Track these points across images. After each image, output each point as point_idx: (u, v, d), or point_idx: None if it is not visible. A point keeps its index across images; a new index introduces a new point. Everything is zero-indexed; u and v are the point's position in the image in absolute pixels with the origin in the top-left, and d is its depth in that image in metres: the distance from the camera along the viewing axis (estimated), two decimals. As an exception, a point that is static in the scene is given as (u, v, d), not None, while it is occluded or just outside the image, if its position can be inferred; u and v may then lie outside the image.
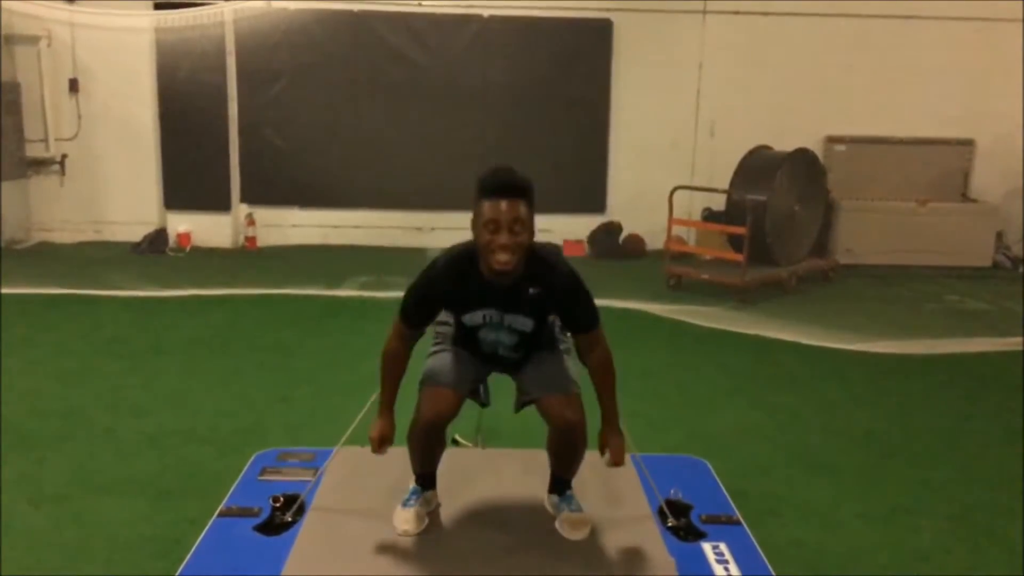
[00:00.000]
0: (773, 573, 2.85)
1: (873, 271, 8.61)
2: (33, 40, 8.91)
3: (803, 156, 8.06)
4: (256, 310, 6.80)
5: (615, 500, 3.03)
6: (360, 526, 3.00)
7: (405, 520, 2.95)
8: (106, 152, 9.17)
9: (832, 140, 9.33)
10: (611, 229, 9.23)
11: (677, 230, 8.19)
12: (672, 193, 7.80)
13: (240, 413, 4.59)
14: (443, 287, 2.80)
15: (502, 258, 2.63)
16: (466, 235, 2.77)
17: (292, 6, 8.95)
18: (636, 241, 9.26)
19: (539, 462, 3.08)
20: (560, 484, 3.05)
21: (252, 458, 3.62)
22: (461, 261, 2.76)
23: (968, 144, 9.45)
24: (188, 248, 9.03)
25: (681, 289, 7.73)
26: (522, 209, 2.64)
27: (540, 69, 9.19)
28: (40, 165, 9.15)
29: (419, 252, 8.91)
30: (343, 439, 3.21)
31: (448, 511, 3.09)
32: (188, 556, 2.87)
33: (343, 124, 9.16)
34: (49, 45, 8.96)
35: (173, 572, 2.80)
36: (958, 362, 5.87)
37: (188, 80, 8.91)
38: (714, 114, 9.30)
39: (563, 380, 2.90)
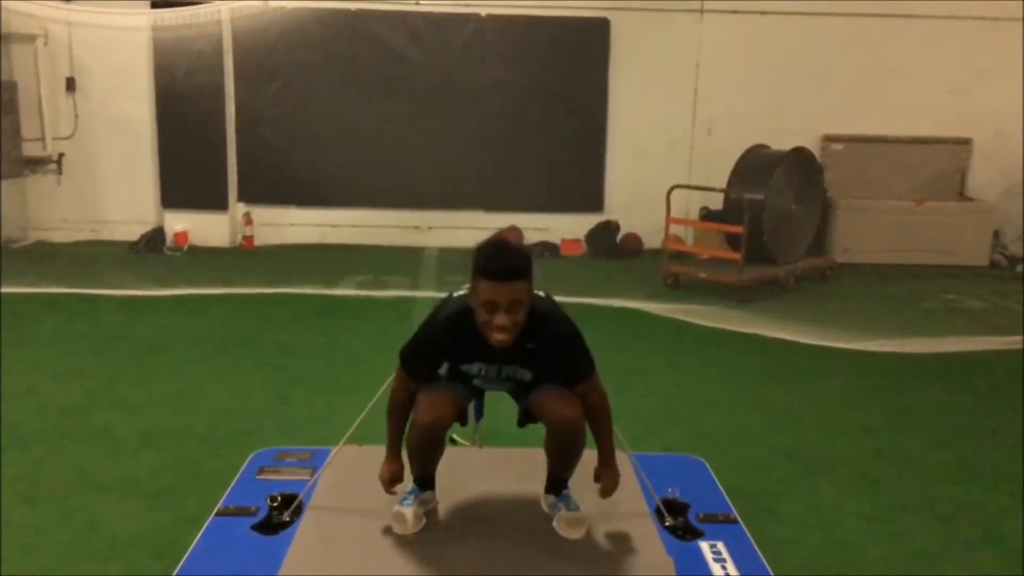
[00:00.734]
0: (771, 572, 2.85)
1: (870, 270, 8.61)
2: (30, 39, 8.89)
3: (800, 155, 8.06)
4: (253, 309, 6.79)
5: (613, 499, 3.03)
6: (358, 526, 3.00)
7: (403, 520, 2.95)
8: (103, 151, 9.15)
9: (829, 139, 9.34)
10: (609, 228, 9.22)
11: (675, 229, 8.19)
12: (670, 192, 7.80)
13: (238, 412, 4.59)
14: (442, 345, 2.86)
15: (499, 337, 2.66)
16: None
17: (289, 5, 8.93)
18: (634, 240, 9.26)
19: (537, 462, 3.08)
20: (557, 483, 3.06)
21: (250, 457, 3.62)
22: (459, 317, 2.78)
23: (965, 143, 9.46)
24: (185, 247, 9.01)
25: (678, 288, 7.73)
26: (520, 290, 2.64)
27: (537, 68, 9.18)
28: (37, 164, 9.13)
29: (416, 251, 8.96)
30: (343, 439, 3.21)
31: (446, 511, 3.10)
32: (185, 555, 2.87)
33: (340, 123, 9.14)
34: (46, 44, 8.95)
35: (171, 571, 2.80)
36: (955, 361, 5.87)
37: (185, 79, 8.89)
38: (711, 113, 9.30)
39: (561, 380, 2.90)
